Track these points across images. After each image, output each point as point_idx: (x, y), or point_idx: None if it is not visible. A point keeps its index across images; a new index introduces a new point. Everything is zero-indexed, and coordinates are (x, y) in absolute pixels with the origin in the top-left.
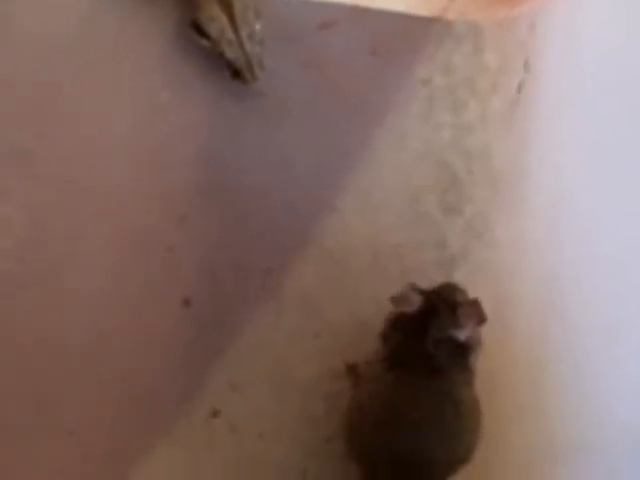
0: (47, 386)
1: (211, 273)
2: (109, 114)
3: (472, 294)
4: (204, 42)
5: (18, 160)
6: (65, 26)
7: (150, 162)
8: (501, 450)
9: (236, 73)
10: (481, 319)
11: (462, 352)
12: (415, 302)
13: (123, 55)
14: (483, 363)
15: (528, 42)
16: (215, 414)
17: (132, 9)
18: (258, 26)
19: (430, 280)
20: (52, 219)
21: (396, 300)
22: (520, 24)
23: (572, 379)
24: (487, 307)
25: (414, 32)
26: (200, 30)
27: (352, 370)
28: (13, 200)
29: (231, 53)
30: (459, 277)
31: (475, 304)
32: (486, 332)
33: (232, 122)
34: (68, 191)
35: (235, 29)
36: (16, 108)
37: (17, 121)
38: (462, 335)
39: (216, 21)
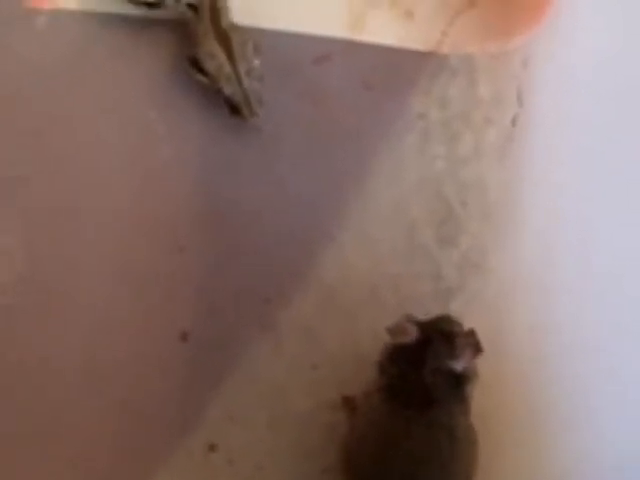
0: (44, 416)
1: (209, 304)
2: (105, 144)
3: (468, 325)
4: (202, 78)
5: (13, 190)
6: (62, 56)
7: (147, 193)
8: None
9: (234, 109)
10: (477, 350)
11: (458, 383)
12: (411, 333)
13: (119, 86)
14: (479, 394)
15: (521, 76)
16: (212, 447)
17: (130, 42)
18: (257, 62)
19: (427, 311)
20: (49, 249)
21: (392, 331)
22: (513, 58)
23: (568, 409)
24: (483, 338)
25: (408, 66)
26: (198, 66)
27: (349, 402)
28: (10, 231)
29: (229, 89)
30: (455, 308)
31: (471, 335)
32: (482, 363)
33: (228, 154)
34: (64, 222)
35: (233, 65)
36: (11, 137)
37: (11, 151)
38: (459, 366)
39: (214, 57)
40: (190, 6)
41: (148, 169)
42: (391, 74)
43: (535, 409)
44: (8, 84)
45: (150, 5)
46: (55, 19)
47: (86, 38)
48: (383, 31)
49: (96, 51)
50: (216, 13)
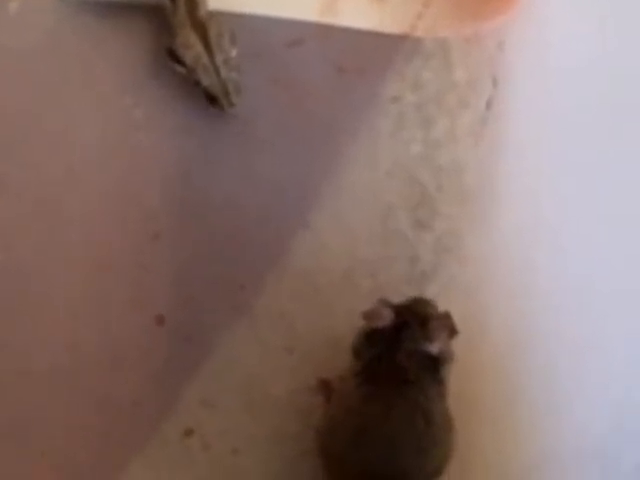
0: (18, 405)
1: (184, 290)
2: (80, 132)
3: (443, 308)
4: (180, 68)
5: None
6: (35, 43)
7: (121, 181)
8: (473, 463)
9: (212, 100)
10: (452, 332)
11: (434, 365)
12: (386, 317)
13: (94, 74)
14: (454, 377)
15: (496, 58)
16: (189, 432)
17: (105, 29)
18: (234, 52)
19: (402, 295)
20: (23, 237)
21: (368, 315)
22: (488, 41)
23: (543, 391)
24: (458, 321)
25: (382, 50)
26: (175, 57)
27: (325, 385)
28: None
29: (207, 80)
30: (431, 292)
31: (446, 317)
32: (457, 346)
33: (202, 140)
34: (39, 210)
35: (210, 56)
36: None
37: None
38: (434, 348)
39: (191, 48)
40: None
41: (123, 156)
42: (365, 58)
43: (512, 392)
44: None
45: None
46: (28, 5)
47: (60, 24)
48: (356, 15)
49: (70, 38)
50: (192, 3)
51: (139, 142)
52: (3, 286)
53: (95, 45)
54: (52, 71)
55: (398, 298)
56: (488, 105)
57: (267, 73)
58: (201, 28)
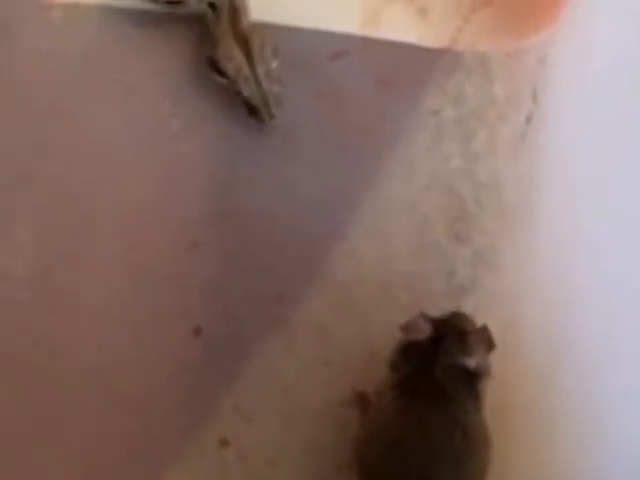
0: (55, 413)
1: (221, 301)
2: (118, 139)
3: (481, 322)
4: (221, 79)
5: (26, 185)
6: (77, 51)
7: (159, 189)
8: (510, 477)
9: (253, 111)
10: (490, 346)
11: (471, 379)
12: (425, 330)
13: (135, 82)
14: (492, 391)
15: (536, 73)
16: (224, 442)
17: (146, 38)
18: (275, 64)
19: (439, 309)
20: (61, 245)
21: (406, 328)
22: (529, 56)
23: (582, 406)
24: (496, 335)
25: (423, 63)
26: (217, 67)
27: (362, 398)
28: (23, 226)
29: (248, 91)
30: (468, 306)
31: (484, 331)
32: (495, 360)
33: (242, 151)
34: (78, 217)
35: (252, 67)
36: (26, 132)
37: (27, 146)
38: (471, 362)
39: (233, 59)
40: (210, 5)
41: (162, 165)
42: (406, 71)
43: (550, 405)
44: (24, 78)
45: (171, 2)
46: (71, 14)
47: (102, 33)
48: (398, 28)
49: (111, 46)
50: (235, 14)
51: (177, 151)
52: (39, 290)
53: (136, 53)
54: (93, 78)
55: (435, 312)
56: (528, 120)
57: (308, 85)
58: (243, 39)
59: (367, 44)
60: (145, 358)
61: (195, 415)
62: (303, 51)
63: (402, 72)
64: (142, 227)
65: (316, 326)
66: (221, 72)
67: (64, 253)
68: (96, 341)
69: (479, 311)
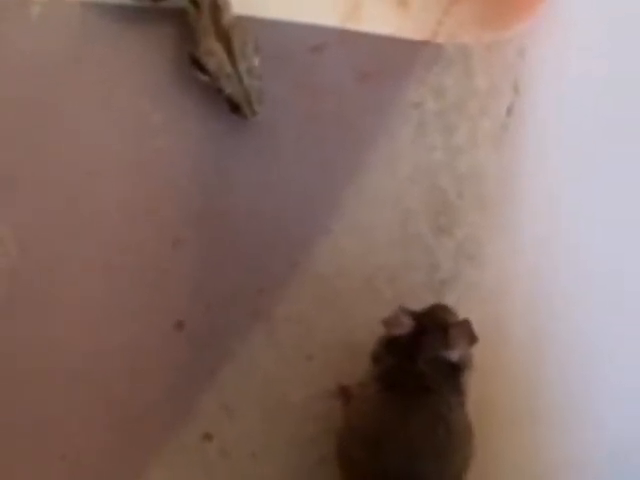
0: (38, 409)
1: (204, 296)
2: (98, 136)
3: (463, 315)
4: (202, 76)
5: (6, 179)
6: (56, 47)
7: (141, 186)
8: (493, 471)
9: (235, 108)
10: (472, 339)
11: (453, 372)
12: (406, 325)
13: (115, 78)
14: (475, 384)
15: (517, 65)
16: (207, 437)
17: (127, 33)
18: (257, 60)
19: (422, 302)
20: (43, 240)
21: (387, 323)
22: (509, 47)
23: (564, 398)
24: (478, 329)
25: (404, 56)
26: (198, 64)
27: (344, 392)
28: (3, 221)
29: (230, 88)
30: (451, 299)
31: (466, 324)
32: (477, 354)
33: (224, 146)
34: (60, 214)
35: (234, 64)
36: (4, 127)
37: (5, 141)
38: (453, 355)
39: (214, 55)
40: (192, 1)
41: (143, 161)
42: (386, 64)
43: (532, 398)
44: (2, 74)
45: None
46: (50, 9)
47: (82, 29)
48: (378, 20)
49: (91, 42)
50: (217, 11)
51: (158, 147)
52: (20, 288)
53: (116, 49)
54: (72, 74)
55: (418, 305)
56: (509, 112)
57: (288, 78)
58: (225, 36)
59: (347, 37)
60: (128, 353)
61: (178, 410)
62: (283, 44)
63: (383, 65)
64: (124, 223)
65: (298, 320)
66: (203, 69)
67: (46, 250)
68: (79, 337)
69: (461, 304)
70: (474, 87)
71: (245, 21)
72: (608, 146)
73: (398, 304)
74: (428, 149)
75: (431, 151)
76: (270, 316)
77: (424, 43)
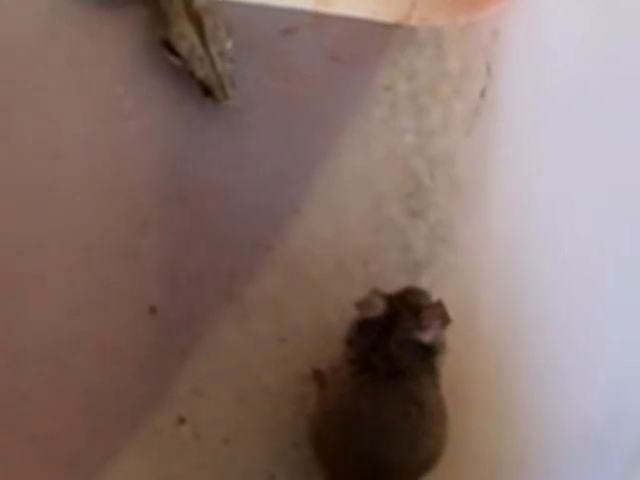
0: (9, 390)
1: (175, 279)
2: (69, 120)
3: (437, 297)
4: (174, 60)
5: None
6: (27, 31)
7: (113, 168)
8: (466, 454)
9: (207, 92)
10: (445, 321)
11: (427, 354)
12: (379, 307)
13: (87, 63)
14: (449, 366)
15: (490, 47)
16: (181, 420)
17: (99, 17)
18: (229, 44)
19: (395, 285)
20: (12, 225)
21: (360, 306)
22: (482, 30)
23: (536, 382)
24: (452, 311)
25: (376, 38)
26: (170, 48)
27: (318, 375)
28: None
29: (202, 72)
30: (424, 281)
31: (439, 306)
32: (451, 336)
33: (195, 129)
34: (29, 196)
35: (206, 47)
36: None
37: None
38: (426, 337)
39: (186, 39)
40: None
41: (114, 145)
42: (358, 46)
43: (504, 379)
44: None
45: None
46: None
47: (54, 11)
48: (350, 3)
49: (63, 25)
50: None
51: (129, 130)
52: None
53: (87, 33)
54: (43, 58)
55: (391, 287)
56: (482, 94)
57: (260, 61)
58: (196, 19)
59: (319, 19)
60: (99, 337)
61: (150, 393)
62: (254, 27)
63: (355, 47)
64: (95, 206)
65: (270, 303)
66: (174, 52)
67: (15, 232)
68: (50, 321)
69: (435, 286)
70: (447, 70)
71: (217, 4)
72: (581, 129)
73: (371, 286)
74: (400, 132)
75: (403, 134)
76: (242, 299)
77: (396, 26)
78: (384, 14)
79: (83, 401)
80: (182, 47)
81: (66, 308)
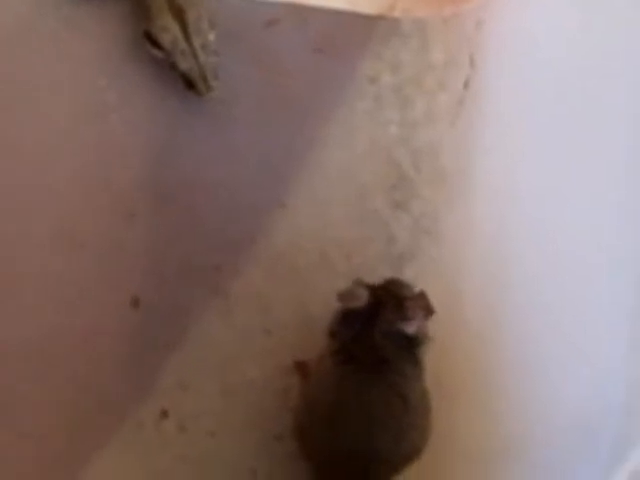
0: None
1: (159, 272)
2: (52, 113)
3: (421, 289)
4: (157, 52)
5: None
6: (11, 27)
7: (93, 161)
8: (451, 446)
9: (190, 84)
10: (428, 312)
11: (410, 345)
12: (362, 297)
13: (70, 56)
14: (432, 358)
15: (474, 39)
16: (165, 414)
17: (81, 11)
18: (212, 36)
19: (379, 277)
20: None
21: (343, 296)
22: (466, 21)
23: (521, 374)
24: (436, 302)
25: (360, 30)
26: (153, 40)
27: (302, 367)
28: None
29: (185, 64)
30: (408, 273)
31: (422, 297)
32: (435, 328)
33: (179, 122)
34: (14, 188)
35: (188, 40)
36: None
37: None
38: (410, 328)
39: (169, 31)
40: None
41: (98, 137)
42: (342, 38)
43: (489, 371)
44: None
45: None
46: None
47: (35, 7)
48: None
49: (45, 19)
50: None
51: (113, 123)
52: None
53: (70, 26)
54: (26, 53)
55: (375, 279)
56: (465, 85)
57: (243, 53)
58: (179, 12)
59: (302, 11)
60: (83, 329)
61: (134, 386)
62: (237, 19)
63: (339, 39)
64: (79, 198)
65: (254, 295)
66: (157, 45)
67: None
68: (33, 312)
69: (419, 278)
70: (431, 61)
71: None
72: (565, 119)
73: (353, 278)
74: (384, 124)
75: (388, 125)
76: (227, 292)
77: (380, 17)
78: (368, 6)
79: (65, 395)
80: (165, 40)
81: (49, 300)
